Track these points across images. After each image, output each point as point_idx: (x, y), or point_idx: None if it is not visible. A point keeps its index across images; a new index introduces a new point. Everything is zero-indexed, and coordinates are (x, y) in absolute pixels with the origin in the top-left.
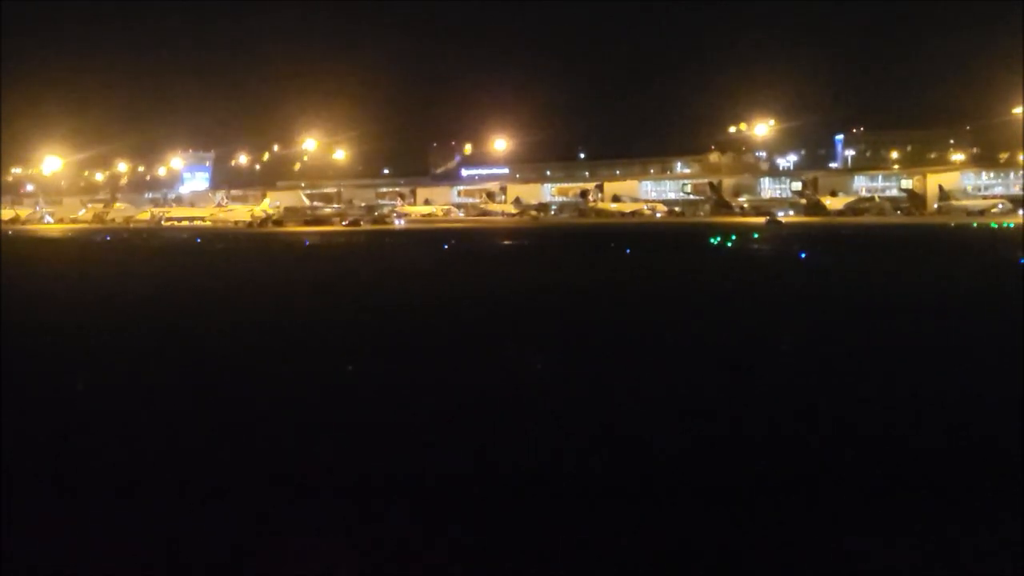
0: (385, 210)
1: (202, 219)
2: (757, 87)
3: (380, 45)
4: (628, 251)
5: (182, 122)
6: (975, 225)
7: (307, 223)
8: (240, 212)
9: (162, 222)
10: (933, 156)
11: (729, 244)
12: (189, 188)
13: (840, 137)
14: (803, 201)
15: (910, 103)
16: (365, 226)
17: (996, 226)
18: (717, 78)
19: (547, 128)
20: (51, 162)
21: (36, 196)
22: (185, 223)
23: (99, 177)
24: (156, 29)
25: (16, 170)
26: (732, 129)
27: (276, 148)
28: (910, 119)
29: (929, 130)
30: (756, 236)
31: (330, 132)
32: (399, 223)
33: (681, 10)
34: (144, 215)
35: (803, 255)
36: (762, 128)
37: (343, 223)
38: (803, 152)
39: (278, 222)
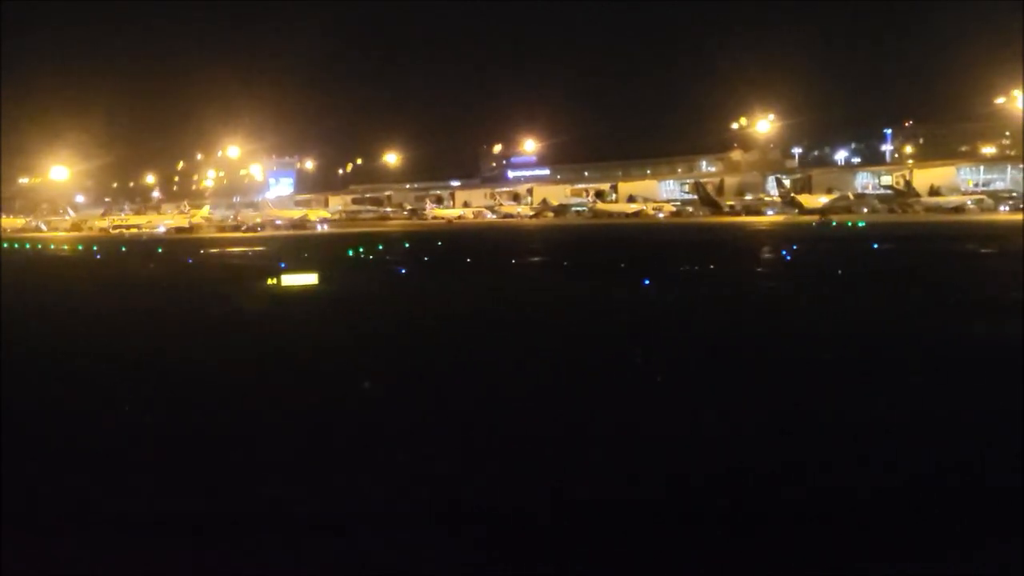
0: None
1: (139, 226)
2: (789, 83)
3: (446, 53)
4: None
5: (267, 130)
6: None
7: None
8: (178, 219)
9: (111, 229)
10: (964, 150)
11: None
12: (275, 193)
13: (889, 131)
14: (778, 199)
15: (951, 95)
16: (268, 232)
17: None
18: (752, 75)
19: (588, 129)
20: (59, 171)
21: (83, 205)
22: (133, 230)
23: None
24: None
25: (23, 180)
26: (735, 125)
27: (341, 154)
28: (947, 112)
29: (978, 123)
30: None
31: (392, 138)
32: (321, 228)
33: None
34: (102, 222)
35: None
36: (780, 124)
37: (243, 229)
38: (823, 149)
39: (188, 229)
